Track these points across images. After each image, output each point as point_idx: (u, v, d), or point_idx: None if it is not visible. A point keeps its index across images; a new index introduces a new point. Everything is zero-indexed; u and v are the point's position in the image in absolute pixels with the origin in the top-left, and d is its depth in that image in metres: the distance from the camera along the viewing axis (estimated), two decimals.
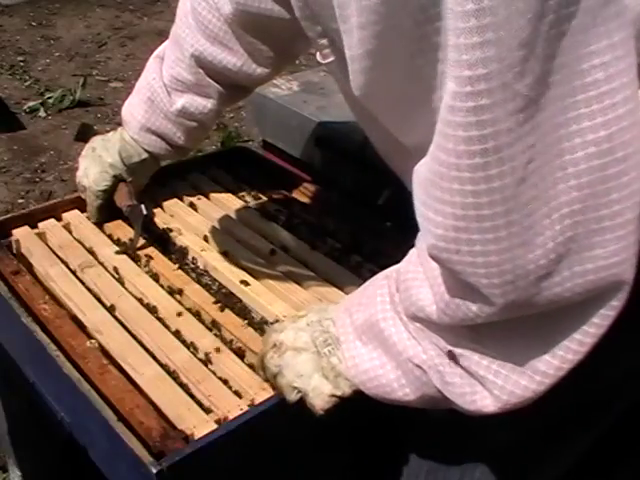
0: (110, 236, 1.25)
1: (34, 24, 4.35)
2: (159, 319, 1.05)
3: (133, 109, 1.25)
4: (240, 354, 1.00)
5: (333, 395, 0.83)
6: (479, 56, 0.56)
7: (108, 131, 1.32)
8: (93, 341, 0.99)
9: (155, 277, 1.15)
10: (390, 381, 0.79)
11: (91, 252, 1.20)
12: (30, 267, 1.16)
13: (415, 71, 0.64)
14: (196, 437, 0.85)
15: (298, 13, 0.77)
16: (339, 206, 1.36)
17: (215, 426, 0.86)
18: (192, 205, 1.35)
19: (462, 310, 0.69)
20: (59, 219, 1.29)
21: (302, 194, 1.41)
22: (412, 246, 0.78)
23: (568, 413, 0.88)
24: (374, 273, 0.93)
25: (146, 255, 1.19)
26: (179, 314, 1.06)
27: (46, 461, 1.35)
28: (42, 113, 3.31)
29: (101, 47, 4.09)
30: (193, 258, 1.19)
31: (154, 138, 1.25)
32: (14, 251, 1.20)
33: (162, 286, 1.13)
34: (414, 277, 0.76)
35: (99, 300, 1.09)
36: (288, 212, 1.32)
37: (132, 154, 1.25)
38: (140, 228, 1.21)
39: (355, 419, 0.92)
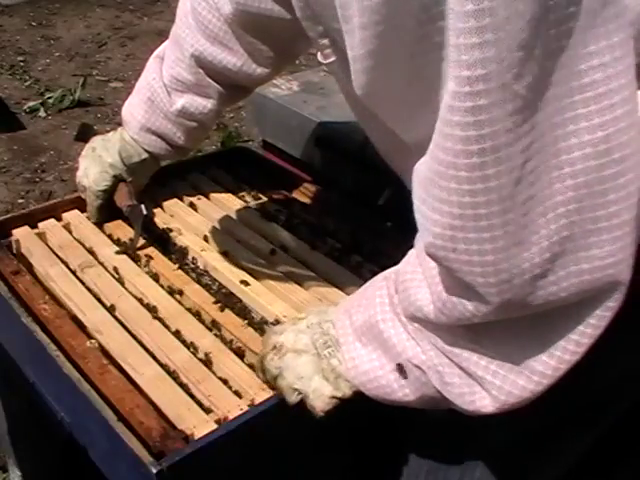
0: (110, 236, 1.25)
1: (34, 24, 4.35)
2: (159, 319, 1.05)
3: (133, 109, 1.25)
4: (240, 354, 1.00)
5: (333, 397, 0.83)
6: (478, 57, 0.57)
7: (108, 131, 1.32)
8: (93, 341, 0.99)
9: (155, 277, 1.15)
10: (390, 382, 0.80)
11: (91, 252, 1.20)
12: (30, 267, 1.16)
13: (417, 70, 0.64)
14: (196, 437, 0.85)
15: (299, 13, 0.77)
16: (339, 206, 1.36)
17: (215, 426, 0.86)
18: (192, 205, 1.35)
19: (459, 309, 0.69)
20: (59, 219, 1.29)
21: (302, 194, 1.41)
22: (412, 246, 0.78)
23: (568, 413, 0.88)
24: (374, 273, 0.93)
25: (146, 255, 1.19)
26: (179, 314, 1.06)
27: (46, 461, 1.35)
28: (42, 113, 3.32)
29: (101, 47, 4.10)
30: (193, 258, 1.19)
31: (154, 138, 1.25)
32: (14, 251, 1.20)
33: (162, 286, 1.13)
34: (412, 278, 0.76)
35: (99, 300, 1.09)
36: (288, 212, 1.32)
37: (132, 154, 1.25)
38: (140, 228, 1.21)
39: (355, 419, 0.92)
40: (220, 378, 0.95)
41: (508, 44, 0.56)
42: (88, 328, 1.03)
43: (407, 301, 0.76)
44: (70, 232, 1.25)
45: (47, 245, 1.21)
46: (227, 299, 1.10)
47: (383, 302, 0.80)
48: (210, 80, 1.19)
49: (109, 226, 1.27)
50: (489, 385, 0.72)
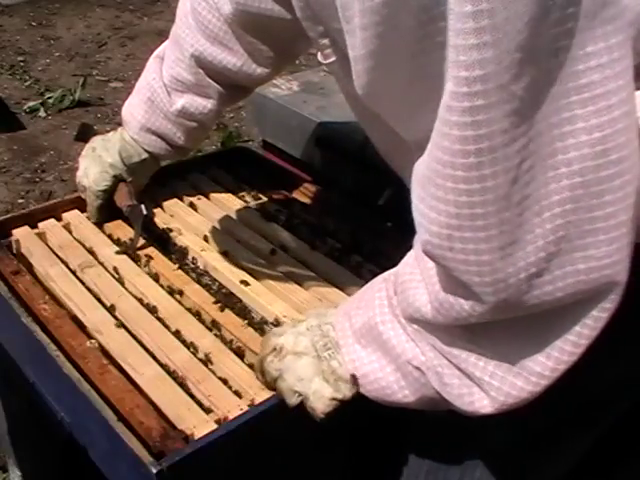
0: (110, 236, 1.25)
1: (34, 24, 4.35)
2: (159, 319, 1.05)
3: (133, 109, 1.25)
4: (240, 354, 1.00)
5: (334, 398, 0.83)
6: (476, 57, 0.57)
7: (108, 131, 1.32)
8: (93, 341, 0.99)
9: (155, 277, 1.15)
10: (390, 383, 0.80)
11: (91, 252, 1.20)
12: (30, 267, 1.16)
13: (419, 70, 0.64)
14: (196, 437, 0.85)
15: (299, 13, 0.77)
16: (339, 206, 1.36)
17: (215, 426, 0.86)
18: (192, 205, 1.35)
19: (455, 309, 0.69)
20: (59, 219, 1.29)
21: (302, 194, 1.41)
22: (411, 247, 0.78)
23: (567, 413, 0.88)
24: (374, 273, 0.93)
25: (146, 255, 1.19)
26: (179, 314, 1.06)
27: (46, 461, 1.35)
28: (42, 113, 3.32)
29: (101, 47, 4.10)
30: (193, 258, 1.19)
31: (154, 138, 1.25)
32: (14, 251, 1.20)
33: (162, 286, 1.13)
34: (411, 279, 0.76)
35: (99, 300, 1.09)
36: (288, 212, 1.32)
37: (132, 154, 1.25)
38: (140, 228, 1.21)
39: (355, 420, 0.92)
40: (220, 378, 0.95)
41: (506, 45, 0.56)
42: (88, 328, 1.03)
43: (406, 302, 0.76)
44: (70, 232, 1.25)
45: (47, 245, 1.21)
46: (227, 299, 1.10)
47: (382, 304, 0.81)
48: (210, 80, 1.19)
49: (109, 226, 1.27)
50: (487, 386, 0.72)
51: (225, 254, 1.19)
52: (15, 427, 1.31)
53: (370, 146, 0.99)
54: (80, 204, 1.29)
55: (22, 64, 3.83)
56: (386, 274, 0.83)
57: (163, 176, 1.36)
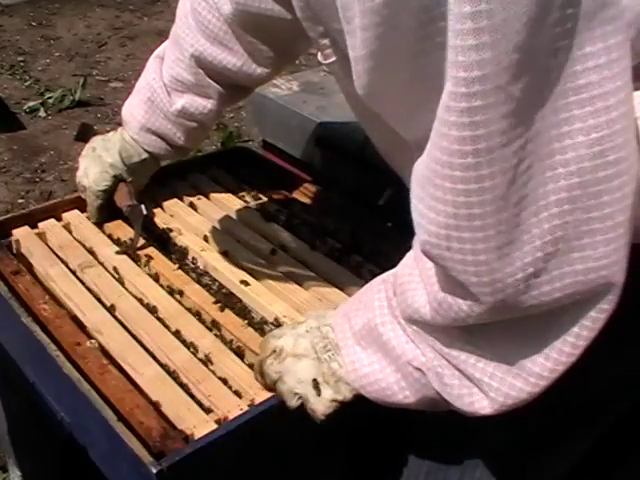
0: (110, 236, 1.25)
1: (34, 24, 4.35)
2: (159, 319, 1.05)
3: (133, 109, 1.25)
4: (240, 354, 1.00)
5: (334, 400, 0.83)
6: (474, 58, 0.57)
7: (108, 131, 1.32)
8: (93, 341, 0.99)
9: (155, 277, 1.15)
10: (390, 384, 0.80)
11: (91, 252, 1.20)
12: (30, 267, 1.16)
13: (419, 70, 0.64)
14: (196, 437, 0.85)
15: (299, 13, 0.77)
16: (339, 206, 1.36)
17: (215, 426, 0.86)
18: (192, 205, 1.35)
19: (453, 309, 0.69)
20: (59, 219, 1.29)
21: (302, 194, 1.41)
22: (411, 247, 0.78)
23: (567, 414, 0.88)
24: (374, 273, 0.93)
25: (146, 255, 1.19)
26: (179, 314, 1.06)
27: (46, 461, 1.35)
28: (42, 113, 3.31)
29: (101, 47, 4.09)
30: (193, 258, 1.19)
31: (154, 138, 1.25)
32: (14, 251, 1.20)
33: (162, 286, 1.13)
34: (410, 280, 0.76)
35: (99, 300, 1.09)
36: (288, 212, 1.32)
37: (132, 154, 1.25)
38: (140, 228, 1.21)
39: (355, 421, 0.92)
40: (220, 378, 0.95)
41: (505, 46, 0.56)
42: (88, 328, 1.03)
43: (405, 303, 0.77)
44: (70, 232, 1.25)
45: (47, 245, 1.21)
46: (227, 299, 1.10)
47: (382, 305, 0.81)
48: (210, 80, 1.19)
49: (109, 226, 1.27)
50: (487, 387, 0.72)
51: (225, 254, 1.19)
52: (15, 427, 1.31)
53: (370, 146, 0.99)
54: (80, 204, 1.29)
55: (22, 64, 3.83)
56: (385, 275, 0.83)
57: (163, 176, 1.36)
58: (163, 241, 1.24)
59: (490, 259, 0.64)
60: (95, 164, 1.24)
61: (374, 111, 0.74)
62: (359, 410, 0.84)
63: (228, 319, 1.05)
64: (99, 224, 1.27)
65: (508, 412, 0.73)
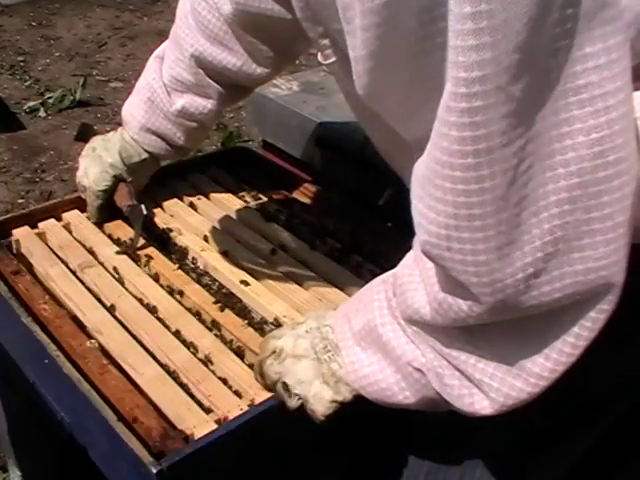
0: (110, 236, 1.25)
1: (34, 24, 4.35)
2: (159, 319, 1.05)
3: (133, 109, 1.25)
4: (240, 354, 1.00)
5: (334, 401, 0.83)
6: (475, 59, 0.57)
7: (108, 131, 1.32)
8: (93, 341, 0.99)
9: (155, 277, 1.15)
10: (390, 385, 0.80)
11: (91, 252, 1.20)
12: (30, 267, 1.16)
13: (420, 70, 0.64)
14: (196, 437, 0.85)
15: (299, 14, 0.77)
16: (339, 206, 1.36)
17: (215, 426, 0.86)
18: (192, 205, 1.35)
19: (453, 309, 0.69)
20: (59, 219, 1.29)
21: (302, 194, 1.41)
22: (411, 247, 0.78)
23: (567, 414, 0.88)
24: (374, 273, 0.93)
25: (146, 255, 1.19)
26: (179, 314, 1.06)
27: (46, 461, 1.35)
28: (42, 113, 3.31)
29: (101, 47, 4.10)
30: (193, 258, 1.19)
31: (154, 138, 1.25)
32: (14, 251, 1.20)
33: (162, 286, 1.13)
34: (410, 281, 0.76)
35: (99, 300, 1.09)
36: (288, 212, 1.32)
37: (132, 154, 1.25)
38: (140, 228, 1.21)
39: (355, 421, 0.92)
40: (220, 378, 0.95)
41: (505, 47, 0.56)
42: (88, 328, 1.03)
43: (405, 304, 0.76)
44: (70, 232, 1.25)
45: (47, 245, 1.21)
46: (227, 299, 1.10)
47: (381, 306, 0.81)
48: (210, 80, 1.19)
49: (109, 226, 1.27)
50: (487, 387, 0.72)
51: (225, 254, 1.19)
52: (15, 427, 1.31)
53: (370, 146, 0.99)
54: (80, 204, 1.29)
55: (22, 64, 3.83)
56: (384, 276, 0.83)
57: (163, 176, 1.36)
58: (163, 241, 1.24)
59: (490, 259, 0.64)
60: (95, 164, 1.24)
61: (374, 111, 0.74)
62: (359, 410, 0.84)
63: (228, 319, 1.05)
64: (99, 224, 1.27)
65: (508, 412, 0.73)
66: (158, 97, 1.22)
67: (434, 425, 0.91)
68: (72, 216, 1.29)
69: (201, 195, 1.37)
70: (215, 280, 1.15)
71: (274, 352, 0.87)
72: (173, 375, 0.95)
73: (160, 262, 1.18)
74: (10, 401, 1.29)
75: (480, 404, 0.74)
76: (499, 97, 0.58)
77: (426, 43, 0.61)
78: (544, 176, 0.62)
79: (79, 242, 1.22)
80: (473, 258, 0.64)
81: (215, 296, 1.11)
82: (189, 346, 1.01)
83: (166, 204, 1.34)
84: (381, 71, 0.66)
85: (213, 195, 1.37)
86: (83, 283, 1.12)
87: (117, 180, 1.25)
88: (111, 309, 1.07)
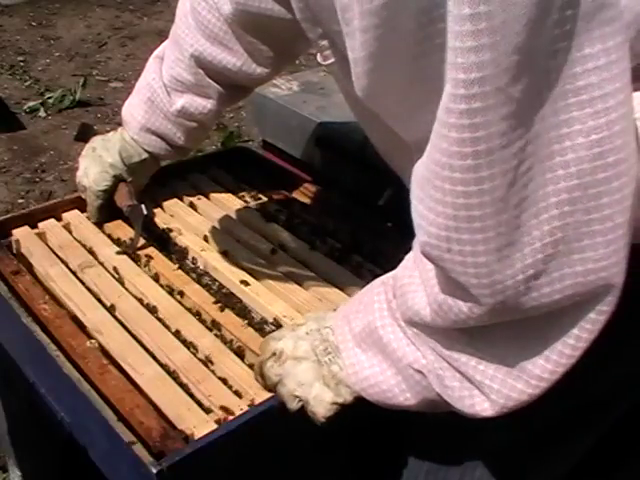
0: (110, 236, 1.25)
1: (34, 24, 4.35)
2: (159, 319, 1.05)
3: (133, 109, 1.25)
4: (240, 354, 1.00)
5: (335, 403, 0.83)
6: (474, 60, 0.57)
7: (108, 131, 1.32)
8: (93, 341, 0.99)
9: (155, 277, 1.15)
10: (391, 387, 0.80)
11: (91, 252, 1.20)
12: (30, 267, 1.16)
13: (419, 72, 0.64)
14: (196, 437, 0.85)
15: (299, 15, 0.77)
16: (339, 206, 1.36)
17: (215, 426, 0.86)
18: (192, 205, 1.35)
19: (454, 311, 0.69)
20: (59, 219, 1.29)
21: (302, 194, 1.41)
22: (411, 248, 0.78)
23: (567, 414, 0.88)
24: (374, 273, 0.93)
25: (146, 255, 1.19)
26: (179, 314, 1.06)
27: (46, 461, 1.35)
28: (42, 113, 3.31)
29: (101, 47, 4.09)
30: (193, 258, 1.19)
31: (154, 138, 1.25)
32: (14, 251, 1.20)
33: (162, 286, 1.13)
34: (410, 282, 0.76)
35: (99, 300, 1.09)
36: (288, 212, 1.32)
37: (132, 154, 1.25)
38: (140, 228, 1.21)
39: (356, 422, 0.92)
40: (220, 378, 0.95)
41: (504, 48, 0.56)
42: (88, 328, 1.03)
43: (405, 306, 0.76)
44: (70, 232, 1.25)
45: (47, 245, 1.21)
46: (227, 299, 1.10)
47: (382, 307, 0.81)
48: (210, 80, 1.19)
49: (109, 226, 1.27)
50: (488, 389, 0.72)
51: (225, 254, 1.19)
52: (15, 427, 1.31)
53: (370, 146, 0.99)
54: (80, 204, 1.29)
55: (22, 64, 3.83)
56: (384, 277, 0.83)
57: (163, 176, 1.36)
58: (163, 241, 1.24)
59: (490, 261, 0.64)
60: (95, 164, 1.24)
61: (373, 112, 0.74)
62: (359, 412, 0.84)
63: (228, 319, 1.05)
64: (99, 224, 1.27)
65: (508, 413, 0.73)
66: (158, 97, 1.22)
67: (434, 426, 0.91)
68: (72, 216, 1.29)
69: (201, 195, 1.37)
70: (215, 280, 1.15)
71: (274, 354, 0.87)
72: (173, 375, 0.95)
73: (160, 262, 1.18)
74: (10, 401, 1.29)
75: (481, 406, 0.74)
76: (498, 98, 0.58)
77: (425, 44, 0.61)
78: (544, 177, 0.62)
79: (79, 242, 1.22)
80: (473, 259, 0.64)
81: (215, 296, 1.11)
82: (189, 346, 1.01)
83: (166, 204, 1.34)
84: (380, 72, 0.66)
85: (213, 195, 1.37)
86: (83, 283, 1.12)
87: (117, 180, 1.25)
88: (111, 309, 1.07)
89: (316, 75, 1.76)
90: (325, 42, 0.78)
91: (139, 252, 1.20)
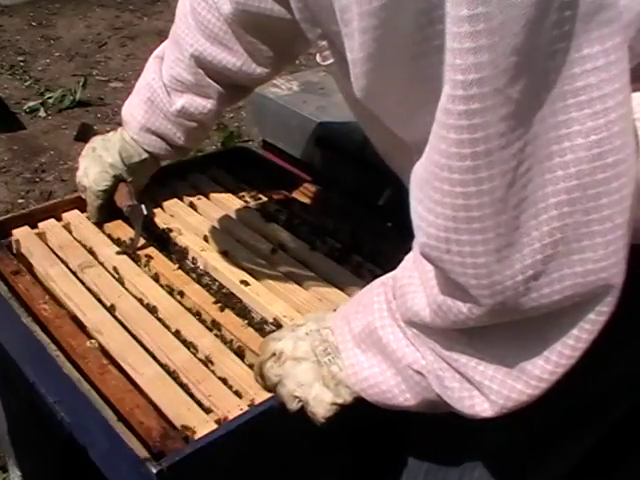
0: (110, 236, 1.25)
1: (34, 24, 4.35)
2: (159, 319, 1.05)
3: (133, 109, 1.25)
4: (240, 354, 1.00)
5: (334, 403, 0.83)
6: (472, 61, 0.57)
7: (108, 131, 1.32)
8: (93, 341, 0.99)
9: (155, 277, 1.15)
10: (391, 387, 0.80)
11: (91, 252, 1.20)
12: (30, 267, 1.16)
13: (419, 72, 0.64)
14: (196, 437, 0.85)
15: (298, 15, 0.77)
16: (339, 206, 1.36)
17: (215, 426, 0.86)
18: (192, 205, 1.35)
19: (453, 312, 0.69)
20: (59, 219, 1.29)
21: (302, 194, 1.41)
22: (411, 248, 0.78)
23: (567, 414, 0.88)
24: (374, 273, 0.93)
25: (146, 255, 1.19)
26: (179, 314, 1.06)
27: (46, 461, 1.35)
28: (42, 113, 3.32)
29: (101, 47, 4.10)
30: (193, 258, 1.19)
31: (154, 138, 1.25)
32: (14, 251, 1.21)
33: (162, 286, 1.13)
34: (410, 283, 0.76)
35: (99, 300, 1.09)
36: (288, 212, 1.32)
37: (132, 154, 1.25)
38: (140, 228, 1.21)
39: (355, 422, 0.92)
40: (220, 378, 0.95)
41: (502, 49, 0.56)
42: (88, 328, 1.03)
43: (404, 306, 0.76)
44: (70, 232, 1.25)
45: (47, 245, 1.21)
46: (227, 299, 1.10)
47: (381, 308, 0.81)
48: (210, 80, 1.19)
49: (109, 226, 1.27)
50: (487, 390, 0.72)
51: (225, 254, 1.19)
52: (15, 427, 1.32)
53: (370, 146, 0.99)
54: (80, 204, 1.29)
55: (22, 64, 3.83)
56: (384, 278, 0.83)
57: (163, 176, 1.36)
58: (163, 241, 1.24)
59: (489, 262, 0.64)
60: (95, 164, 1.25)
61: (373, 112, 0.74)
62: (359, 412, 0.84)
63: (228, 319, 1.05)
64: (99, 224, 1.27)
65: (508, 414, 0.73)
66: (158, 97, 1.22)
67: (434, 426, 0.91)
68: (72, 216, 1.29)
69: (201, 195, 1.37)
70: (215, 280, 1.15)
71: (274, 354, 0.87)
72: (173, 375, 0.95)
73: (160, 262, 1.18)
74: (10, 401, 1.29)
75: (480, 406, 0.73)
76: (497, 99, 0.58)
77: (424, 45, 0.61)
78: (543, 178, 0.62)
79: (79, 242, 1.22)
80: (472, 260, 0.64)
81: (215, 296, 1.11)
82: (189, 346, 1.01)
83: (166, 204, 1.34)
84: (379, 73, 0.66)
85: (213, 195, 1.37)
86: (83, 283, 1.12)
87: (117, 180, 1.25)
88: (111, 309, 1.07)
89: (316, 75, 1.76)
90: (324, 43, 0.78)
91: (139, 252, 1.20)
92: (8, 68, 3.76)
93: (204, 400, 0.91)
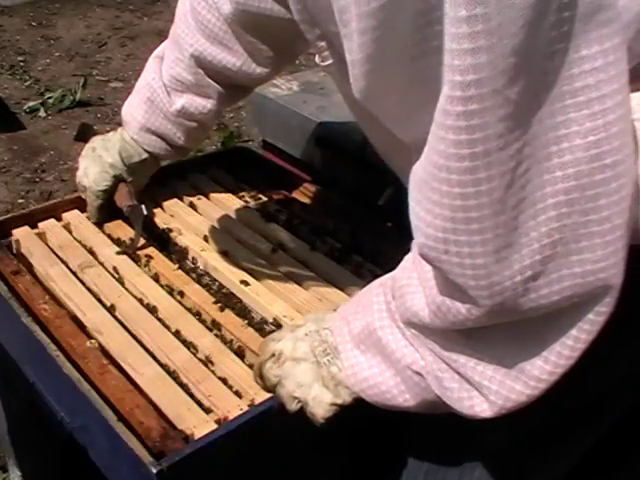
0: (110, 236, 1.25)
1: (34, 24, 4.35)
2: (159, 319, 1.05)
3: (133, 109, 1.25)
4: (240, 354, 1.00)
5: (334, 404, 0.83)
6: (470, 62, 0.56)
7: (108, 131, 1.32)
8: (93, 341, 0.99)
9: (155, 277, 1.15)
10: (390, 388, 0.80)
11: (91, 252, 1.20)
12: (30, 267, 1.16)
13: (418, 73, 0.64)
14: (196, 437, 0.85)
15: (297, 16, 0.77)
16: (339, 206, 1.36)
17: (215, 426, 0.86)
18: (192, 205, 1.35)
19: (452, 312, 0.69)
20: (59, 219, 1.29)
21: (302, 194, 1.41)
22: (410, 249, 0.78)
23: (566, 415, 0.88)
24: (374, 273, 0.93)
25: (146, 255, 1.19)
26: (179, 314, 1.06)
27: (46, 461, 1.35)
28: (42, 113, 3.31)
29: (101, 47, 4.09)
30: (193, 258, 1.19)
31: (154, 138, 1.25)
32: (14, 251, 1.21)
33: (162, 286, 1.13)
34: (409, 283, 0.76)
35: (99, 300, 1.09)
36: (288, 212, 1.32)
37: (132, 154, 1.25)
38: (140, 228, 1.21)
39: (355, 422, 0.92)
40: (220, 378, 0.95)
41: (501, 50, 0.56)
42: (88, 328, 1.03)
43: (404, 307, 0.76)
44: (70, 232, 1.26)
45: (47, 245, 1.21)
46: (227, 299, 1.10)
47: (380, 309, 0.81)
48: (210, 80, 1.19)
49: (109, 226, 1.27)
50: (486, 390, 0.72)
51: (225, 254, 1.19)
52: (15, 427, 1.32)
53: (370, 146, 0.99)
54: (80, 204, 1.29)
55: (22, 64, 3.83)
56: (383, 278, 0.83)
57: (163, 176, 1.36)
58: (163, 241, 1.24)
59: (488, 262, 0.64)
60: (95, 164, 1.25)
61: (372, 113, 0.74)
62: (359, 412, 0.84)
63: (228, 319, 1.06)
64: (99, 224, 1.27)
65: (507, 414, 0.73)
66: (158, 97, 1.22)
67: (433, 426, 0.91)
68: (72, 216, 1.29)
69: (201, 195, 1.37)
70: (215, 280, 1.15)
71: (273, 355, 0.87)
72: (173, 375, 0.95)
73: (160, 262, 1.18)
74: (10, 401, 1.29)
75: (480, 407, 0.73)
76: (495, 100, 0.58)
77: (422, 46, 0.61)
78: (541, 179, 0.62)
79: (79, 242, 1.22)
80: (471, 261, 0.64)
81: (215, 296, 1.11)
82: (189, 346, 1.01)
83: (166, 204, 1.34)
84: (378, 74, 0.66)
85: (213, 195, 1.37)
86: (83, 283, 1.12)
87: (117, 180, 1.25)
88: (111, 309, 1.07)
89: (316, 75, 1.76)
90: (323, 43, 0.78)
91: (139, 252, 1.20)
92: (8, 68, 3.76)
93: (204, 400, 0.91)
